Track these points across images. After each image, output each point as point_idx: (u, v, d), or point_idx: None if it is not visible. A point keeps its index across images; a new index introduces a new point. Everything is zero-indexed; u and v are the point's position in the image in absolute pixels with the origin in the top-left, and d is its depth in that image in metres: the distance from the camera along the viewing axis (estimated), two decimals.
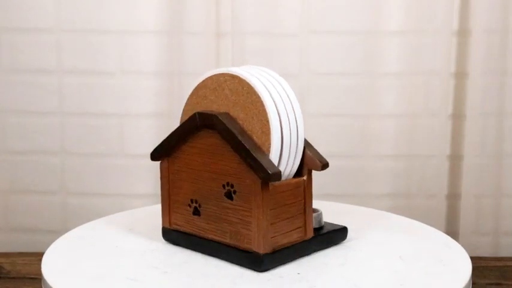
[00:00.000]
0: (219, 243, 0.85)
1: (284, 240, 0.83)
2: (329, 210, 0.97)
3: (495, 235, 1.61)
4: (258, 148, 0.80)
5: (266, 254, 0.81)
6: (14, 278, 1.46)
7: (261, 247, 0.80)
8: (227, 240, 0.84)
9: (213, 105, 0.86)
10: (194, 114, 0.85)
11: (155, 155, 0.90)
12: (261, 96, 0.81)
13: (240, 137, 0.81)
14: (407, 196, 1.59)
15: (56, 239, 0.94)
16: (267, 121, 0.80)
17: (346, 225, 0.93)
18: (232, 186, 0.83)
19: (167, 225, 0.91)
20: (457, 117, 1.59)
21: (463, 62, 1.56)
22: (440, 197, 1.58)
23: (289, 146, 0.83)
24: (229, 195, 0.83)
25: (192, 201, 0.87)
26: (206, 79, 0.87)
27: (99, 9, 1.54)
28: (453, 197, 1.61)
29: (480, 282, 1.44)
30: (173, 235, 0.90)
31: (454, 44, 1.55)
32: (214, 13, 1.52)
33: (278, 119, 0.81)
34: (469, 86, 1.54)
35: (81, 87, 1.57)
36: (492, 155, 1.57)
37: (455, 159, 1.60)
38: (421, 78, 1.55)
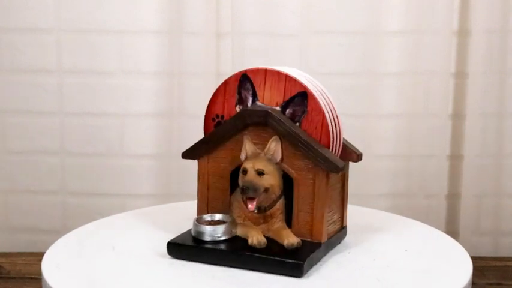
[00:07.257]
0: None
1: None
2: None
3: (495, 235, 1.61)
4: None
5: None
6: (14, 278, 1.46)
7: None
8: None
9: None
10: None
11: None
12: None
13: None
14: (407, 196, 1.59)
15: (56, 239, 0.94)
16: None
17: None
18: None
19: None
20: (457, 117, 1.59)
21: (463, 62, 1.56)
22: (440, 197, 1.58)
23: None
24: None
25: None
26: None
27: (99, 9, 1.54)
28: (453, 197, 1.61)
29: (480, 282, 1.44)
30: None
31: (454, 44, 1.55)
32: (214, 13, 1.52)
33: None
34: (469, 86, 1.54)
35: (81, 87, 1.57)
36: (492, 155, 1.57)
37: (455, 159, 1.60)
38: (421, 78, 1.55)
